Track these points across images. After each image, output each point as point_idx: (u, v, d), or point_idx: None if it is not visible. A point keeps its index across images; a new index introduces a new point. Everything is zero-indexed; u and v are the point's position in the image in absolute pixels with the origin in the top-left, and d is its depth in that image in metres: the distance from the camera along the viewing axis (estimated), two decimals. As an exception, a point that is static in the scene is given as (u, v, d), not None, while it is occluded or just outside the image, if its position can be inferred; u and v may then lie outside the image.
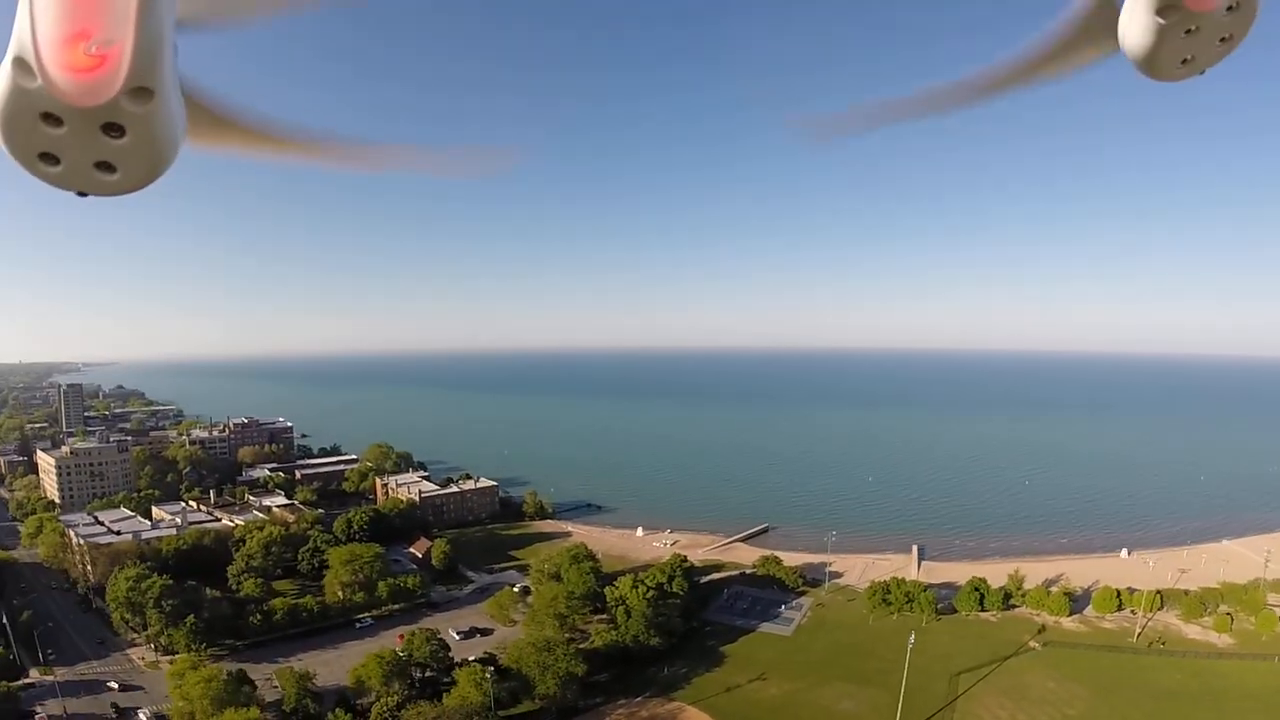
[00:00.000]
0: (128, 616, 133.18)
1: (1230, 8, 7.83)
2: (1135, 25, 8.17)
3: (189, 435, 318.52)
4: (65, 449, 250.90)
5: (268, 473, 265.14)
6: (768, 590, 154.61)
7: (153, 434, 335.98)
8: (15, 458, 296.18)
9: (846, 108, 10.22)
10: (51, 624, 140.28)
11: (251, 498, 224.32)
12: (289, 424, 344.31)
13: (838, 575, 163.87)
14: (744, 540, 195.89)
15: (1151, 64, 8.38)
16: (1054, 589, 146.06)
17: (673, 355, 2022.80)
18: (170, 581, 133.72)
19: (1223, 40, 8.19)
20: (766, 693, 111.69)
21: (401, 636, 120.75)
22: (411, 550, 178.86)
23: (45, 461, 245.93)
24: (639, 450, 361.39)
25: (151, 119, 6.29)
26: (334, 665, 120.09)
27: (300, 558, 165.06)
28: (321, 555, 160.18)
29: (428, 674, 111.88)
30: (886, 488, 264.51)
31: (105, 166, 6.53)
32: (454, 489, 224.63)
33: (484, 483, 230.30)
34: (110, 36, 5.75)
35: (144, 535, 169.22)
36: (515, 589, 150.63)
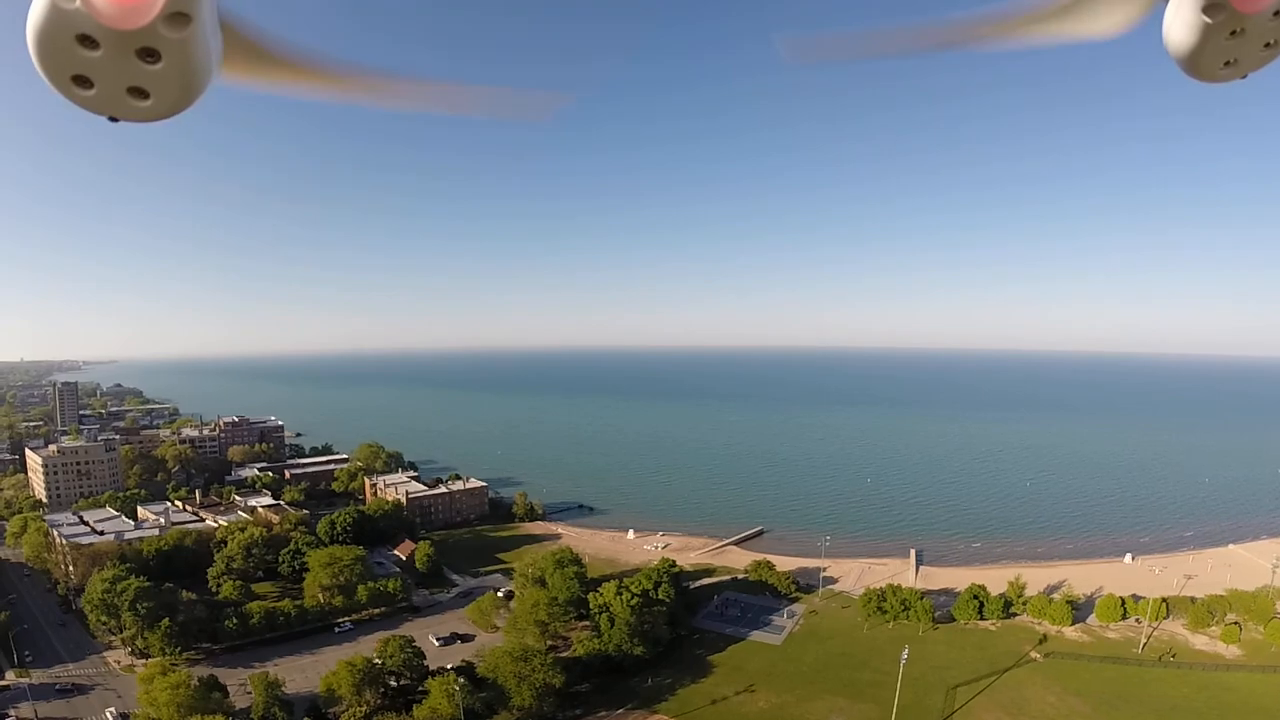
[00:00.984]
0: (104, 619, 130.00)
1: (1279, 13, 7.48)
2: (1179, 21, 7.80)
3: (179, 434, 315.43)
4: (53, 447, 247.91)
5: (256, 472, 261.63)
6: (760, 596, 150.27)
7: (144, 432, 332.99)
8: (7, 456, 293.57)
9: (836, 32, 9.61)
10: (30, 626, 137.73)
11: (238, 497, 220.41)
12: (280, 422, 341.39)
13: (832, 581, 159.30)
14: (737, 543, 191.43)
15: (1194, 63, 8.07)
16: (1056, 596, 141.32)
17: (673, 355, 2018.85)
18: (148, 584, 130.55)
19: (1268, 45, 7.89)
20: (754, 705, 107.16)
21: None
22: (396, 553, 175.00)
23: (34, 460, 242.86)
24: (632, 450, 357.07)
25: (187, 45, 6.22)
26: (309, 671, 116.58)
27: (281, 560, 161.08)
28: (303, 557, 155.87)
29: (402, 682, 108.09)
30: (885, 489, 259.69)
31: (138, 92, 6.48)
32: (442, 490, 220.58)
33: (474, 483, 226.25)
34: None
35: (127, 535, 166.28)
36: (499, 593, 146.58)
